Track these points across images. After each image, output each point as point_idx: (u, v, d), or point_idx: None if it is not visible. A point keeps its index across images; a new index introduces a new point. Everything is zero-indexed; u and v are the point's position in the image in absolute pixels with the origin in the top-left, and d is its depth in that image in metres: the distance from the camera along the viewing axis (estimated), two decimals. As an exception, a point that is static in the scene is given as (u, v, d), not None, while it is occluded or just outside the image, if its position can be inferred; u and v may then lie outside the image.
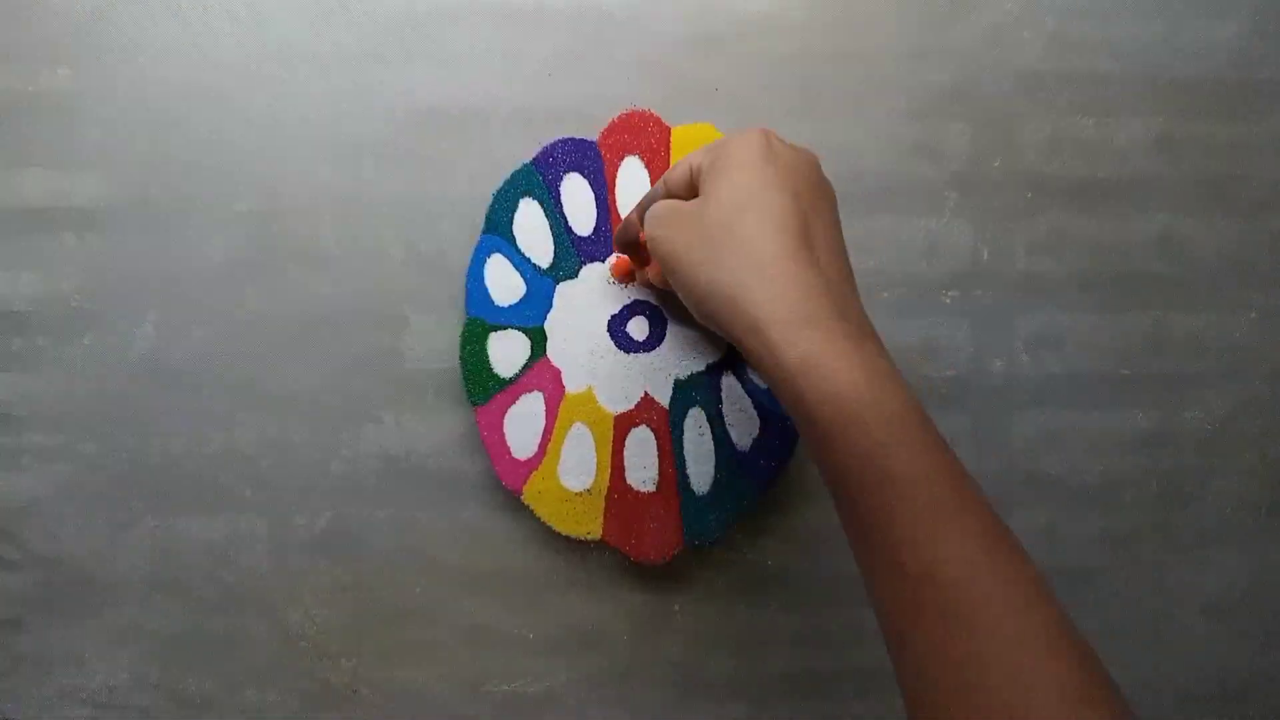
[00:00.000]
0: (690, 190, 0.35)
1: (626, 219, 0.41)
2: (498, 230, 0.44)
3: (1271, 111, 0.47)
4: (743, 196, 0.32)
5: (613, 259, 0.44)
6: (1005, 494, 0.47)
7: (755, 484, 0.44)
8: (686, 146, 0.44)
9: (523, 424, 0.44)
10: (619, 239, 0.42)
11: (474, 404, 0.44)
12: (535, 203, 0.44)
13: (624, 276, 0.44)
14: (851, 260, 0.45)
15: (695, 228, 0.33)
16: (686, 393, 0.44)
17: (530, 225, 0.44)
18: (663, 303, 0.44)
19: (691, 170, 0.35)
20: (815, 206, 0.33)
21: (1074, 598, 0.47)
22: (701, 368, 0.44)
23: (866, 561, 0.30)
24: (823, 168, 0.35)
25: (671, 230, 0.34)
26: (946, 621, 0.27)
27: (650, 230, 0.35)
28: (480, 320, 0.44)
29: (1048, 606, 0.28)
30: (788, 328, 0.30)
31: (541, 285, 0.44)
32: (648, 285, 0.43)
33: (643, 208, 0.39)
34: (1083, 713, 0.26)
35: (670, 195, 0.37)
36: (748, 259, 0.31)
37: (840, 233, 0.35)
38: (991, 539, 0.29)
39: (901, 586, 0.28)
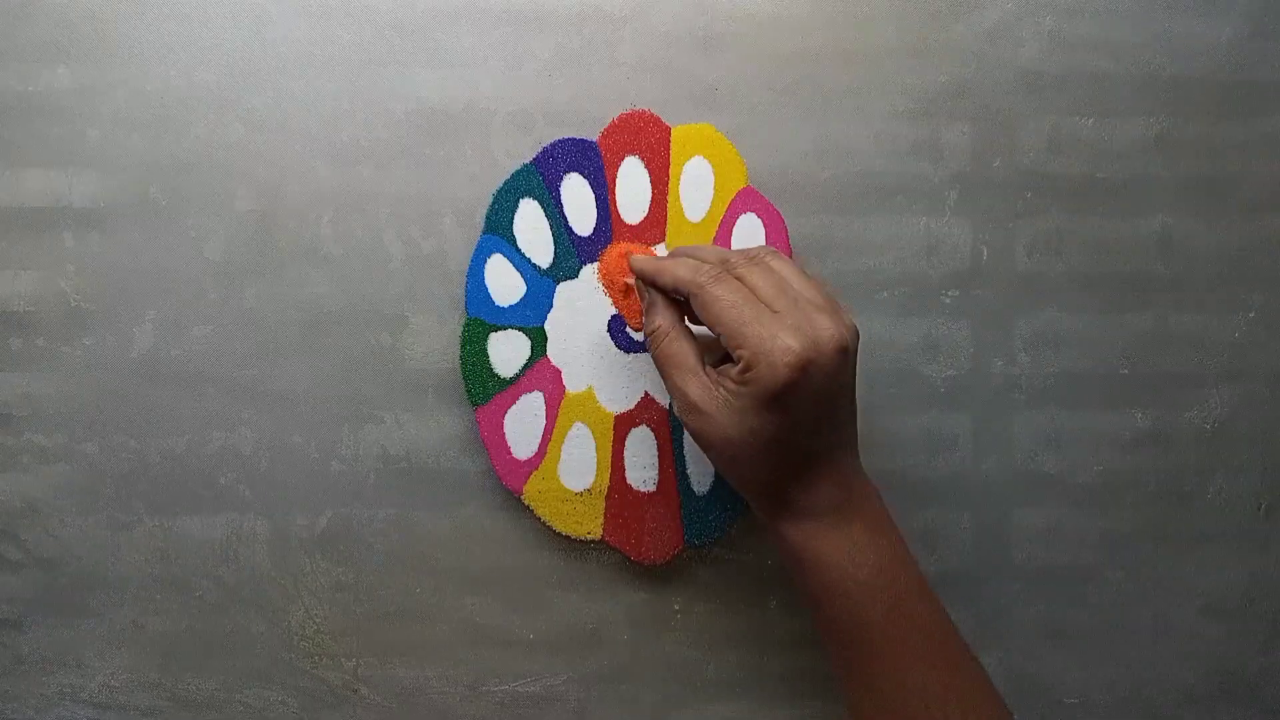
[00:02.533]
0: (702, 321, 0.37)
1: (674, 275, 0.38)
2: (498, 230, 0.44)
3: (1270, 111, 0.47)
4: (749, 437, 0.36)
5: (608, 259, 0.44)
6: (1005, 494, 0.47)
7: (755, 484, 0.44)
8: (686, 146, 0.44)
9: (523, 424, 0.44)
10: (649, 275, 0.39)
11: (474, 404, 0.44)
12: (535, 203, 0.44)
13: (617, 286, 0.44)
14: (851, 260, 0.46)
15: (712, 433, 0.36)
16: (686, 393, 0.44)
17: (530, 225, 0.44)
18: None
19: (739, 356, 0.35)
20: (830, 403, 0.36)
21: (1074, 598, 0.47)
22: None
23: (849, 687, 0.38)
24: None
25: (701, 424, 0.37)
26: None
27: (686, 419, 0.37)
28: (480, 320, 0.44)
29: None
30: (784, 524, 0.37)
31: (542, 285, 0.44)
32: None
33: (687, 282, 0.37)
34: None
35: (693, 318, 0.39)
36: (746, 481, 0.38)
37: (849, 398, 0.38)
38: (950, 668, 0.36)
39: (879, 703, 0.36)
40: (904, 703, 0.36)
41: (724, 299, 0.36)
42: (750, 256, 0.38)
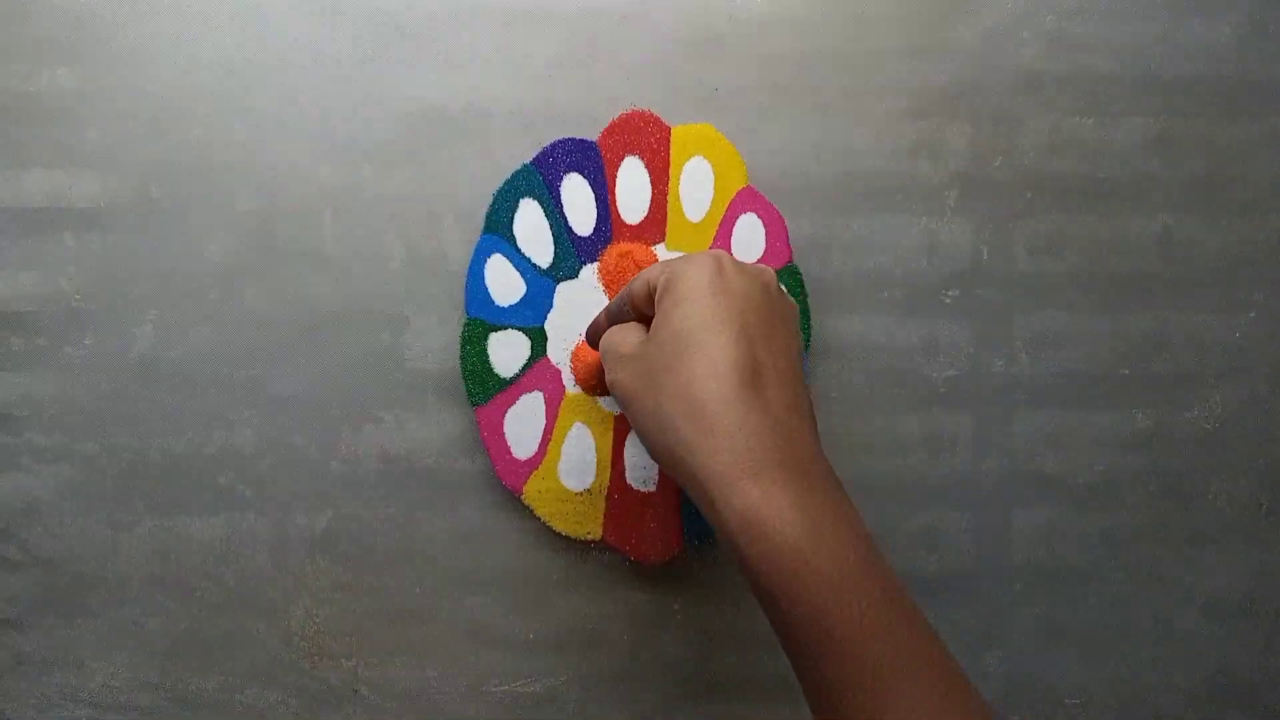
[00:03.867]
0: (651, 307, 0.34)
1: (595, 321, 0.40)
2: (498, 230, 0.44)
3: (1271, 111, 0.47)
4: (684, 336, 0.31)
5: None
6: (1005, 494, 0.47)
7: (755, 484, 0.44)
8: (686, 146, 0.44)
9: (523, 424, 0.44)
10: (591, 337, 0.41)
11: (474, 404, 0.44)
12: (535, 203, 0.44)
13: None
14: (852, 260, 0.46)
15: (641, 370, 0.32)
16: (686, 393, 0.44)
17: (530, 225, 0.44)
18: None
19: (649, 287, 0.34)
20: (767, 335, 0.32)
21: (1074, 598, 0.47)
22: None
23: (819, 717, 0.30)
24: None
25: (623, 372, 0.33)
26: None
27: (607, 370, 0.34)
28: (480, 320, 0.44)
29: None
30: (724, 482, 0.29)
31: (542, 285, 0.44)
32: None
33: (610, 313, 0.38)
34: None
35: (635, 308, 0.35)
36: (686, 406, 0.30)
37: (798, 358, 0.33)
38: (940, 697, 0.28)
39: None
40: None
41: (613, 384, 0.34)
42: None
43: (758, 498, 0.29)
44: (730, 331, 0.31)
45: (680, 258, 0.34)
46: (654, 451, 0.32)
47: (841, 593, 0.28)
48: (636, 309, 0.36)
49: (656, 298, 0.33)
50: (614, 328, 0.36)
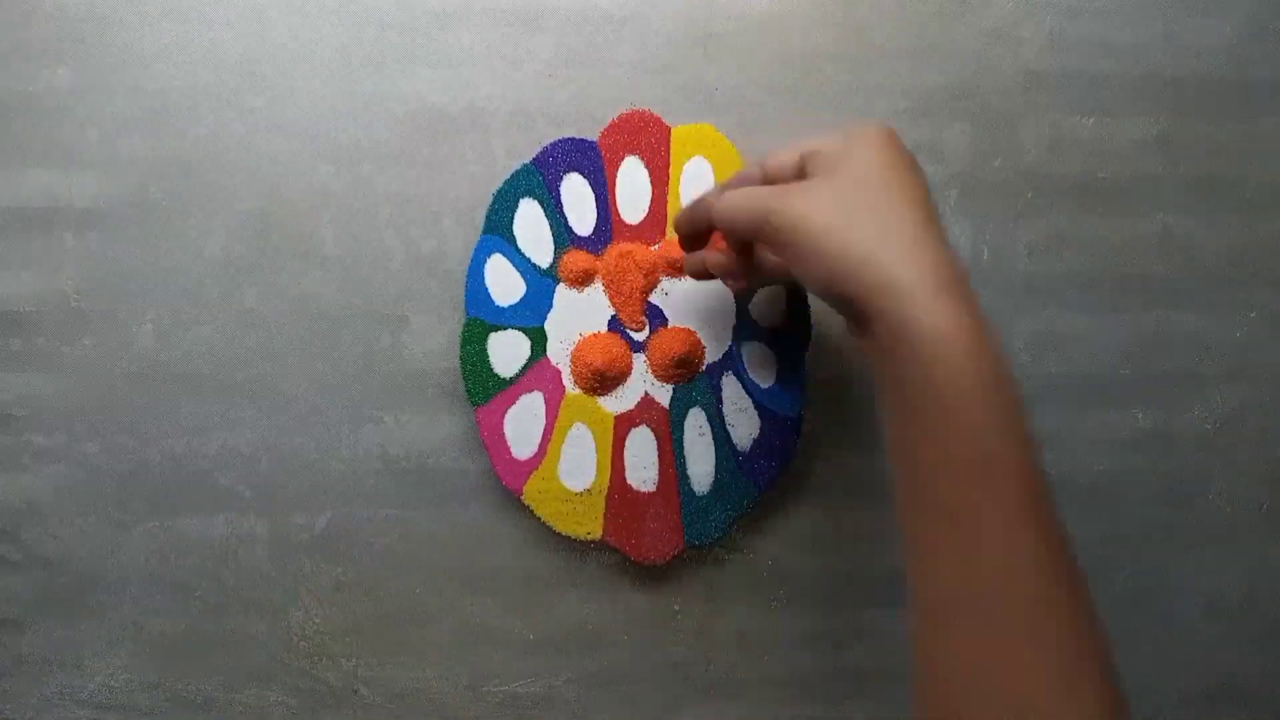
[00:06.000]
0: (797, 175, 0.36)
1: (699, 202, 0.39)
2: (498, 230, 0.44)
3: (1270, 111, 0.47)
4: (887, 171, 0.34)
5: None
6: (1005, 494, 0.47)
7: (755, 484, 0.44)
8: (686, 146, 0.44)
9: (523, 424, 0.44)
10: (687, 224, 0.40)
11: (474, 404, 0.44)
12: (535, 203, 0.44)
13: (617, 287, 0.44)
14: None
15: (828, 196, 0.34)
16: (686, 393, 0.44)
17: (530, 225, 0.44)
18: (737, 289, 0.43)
19: (803, 156, 0.36)
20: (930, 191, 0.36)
21: (1074, 598, 0.47)
22: (701, 368, 0.44)
23: (929, 558, 0.32)
24: None
25: (792, 201, 0.34)
26: None
27: (766, 204, 0.35)
28: (480, 320, 0.44)
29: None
30: (926, 293, 0.31)
31: (542, 285, 0.44)
32: (707, 273, 0.41)
33: (725, 188, 0.38)
34: (1076, 684, 0.30)
35: (768, 179, 0.37)
36: (891, 225, 0.32)
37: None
38: (1063, 549, 0.31)
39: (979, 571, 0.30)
40: (1011, 571, 0.30)
41: (777, 213, 0.34)
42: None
43: (952, 313, 0.31)
44: (919, 177, 0.34)
45: (844, 129, 0.35)
46: (840, 265, 0.33)
47: (1016, 424, 0.31)
48: (773, 179, 0.37)
49: (827, 155, 0.35)
50: (766, 188, 0.36)
